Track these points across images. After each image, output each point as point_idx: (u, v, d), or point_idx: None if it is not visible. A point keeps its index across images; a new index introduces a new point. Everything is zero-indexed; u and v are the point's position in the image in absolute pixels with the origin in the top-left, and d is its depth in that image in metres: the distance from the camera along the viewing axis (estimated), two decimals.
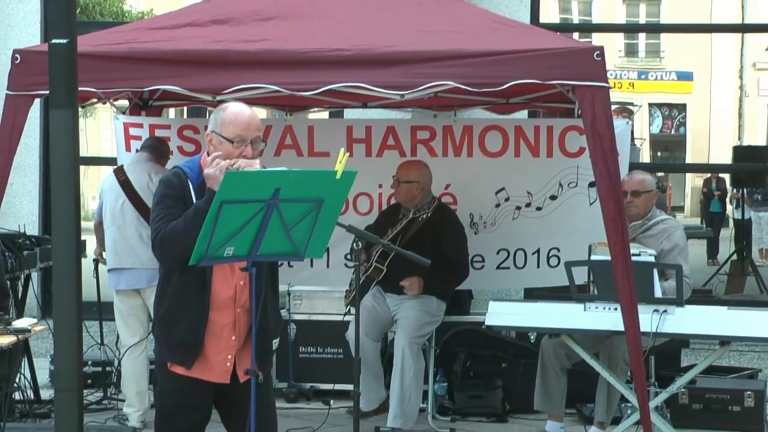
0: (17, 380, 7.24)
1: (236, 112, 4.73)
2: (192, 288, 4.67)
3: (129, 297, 7.74)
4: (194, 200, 4.66)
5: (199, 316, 4.68)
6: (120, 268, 7.70)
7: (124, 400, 8.00)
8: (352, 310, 7.68)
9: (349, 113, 9.55)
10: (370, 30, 6.44)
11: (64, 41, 4.27)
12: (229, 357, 4.75)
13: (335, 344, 8.34)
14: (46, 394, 8.25)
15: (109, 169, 8.28)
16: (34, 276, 8.58)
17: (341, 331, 7.93)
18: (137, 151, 7.98)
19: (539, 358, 7.40)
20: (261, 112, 9.87)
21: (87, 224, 7.35)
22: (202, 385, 4.76)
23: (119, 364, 8.60)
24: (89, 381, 8.53)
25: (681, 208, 26.23)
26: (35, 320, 6.73)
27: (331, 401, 8.40)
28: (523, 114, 9.19)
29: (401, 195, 7.64)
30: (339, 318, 8.13)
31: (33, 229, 10.10)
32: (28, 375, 7.94)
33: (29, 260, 8.08)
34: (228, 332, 4.74)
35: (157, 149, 7.85)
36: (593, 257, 6.77)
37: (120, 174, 7.73)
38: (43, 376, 8.72)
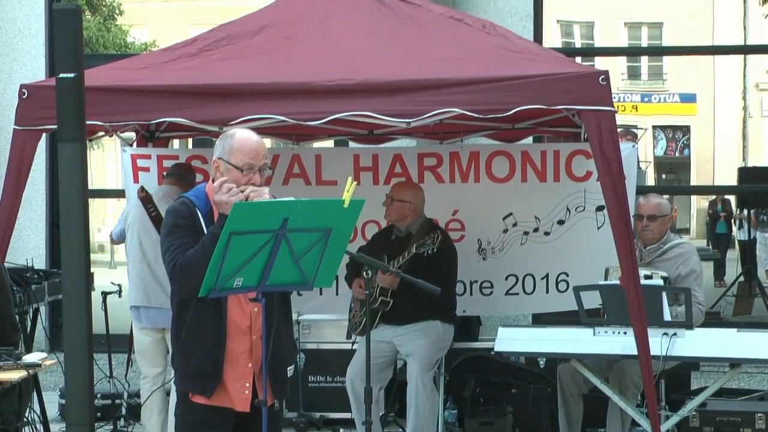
0: (27, 415, 7.21)
1: (244, 140, 4.76)
2: (208, 317, 4.69)
3: (154, 332, 7.69)
4: (204, 228, 4.67)
5: (216, 344, 4.70)
6: (148, 307, 7.63)
7: None
8: (356, 339, 7.65)
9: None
10: (375, 59, 6.45)
11: (71, 75, 4.30)
12: (247, 385, 4.76)
13: (345, 373, 8.31)
14: (55, 428, 8.22)
15: (114, 201, 8.24)
16: (42, 310, 8.56)
17: (350, 360, 7.90)
18: (165, 179, 7.86)
19: (558, 385, 7.37)
20: (267, 142, 9.88)
21: (96, 257, 7.34)
22: (223, 414, 4.77)
23: (129, 396, 8.58)
24: (99, 414, 8.50)
25: (687, 230, 26.21)
26: (45, 354, 6.70)
27: (341, 430, 8.38)
28: (528, 139, 9.18)
29: (393, 213, 7.59)
30: (348, 347, 8.10)
31: (40, 262, 10.09)
32: (37, 409, 7.91)
33: (37, 294, 8.06)
34: (245, 360, 4.76)
35: (184, 178, 7.71)
36: (609, 281, 6.76)
37: (150, 207, 7.59)
38: (52, 410, 8.69)
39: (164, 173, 7.98)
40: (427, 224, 7.54)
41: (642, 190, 8.28)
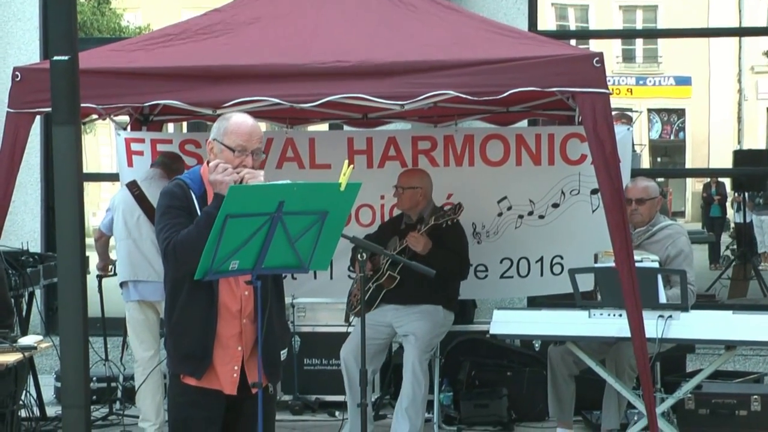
0: (23, 397, 7.23)
1: (239, 122, 4.78)
2: (200, 299, 4.70)
3: (143, 309, 7.73)
4: (198, 210, 4.68)
5: (207, 327, 4.72)
6: (136, 281, 7.69)
7: (131, 416, 8.01)
8: (353, 322, 7.65)
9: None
10: (370, 42, 6.44)
11: (65, 58, 4.29)
12: (236, 368, 4.78)
13: (340, 356, 8.33)
14: (51, 411, 8.24)
15: (108, 185, 8.25)
16: (38, 293, 8.58)
17: None
18: (151, 166, 7.94)
19: (548, 366, 7.39)
20: (261, 126, 9.89)
21: (91, 240, 7.36)
22: (214, 397, 4.79)
23: (124, 379, 8.60)
24: (94, 397, 8.51)
25: (682, 213, 26.23)
26: (41, 337, 6.72)
27: (336, 413, 8.39)
28: (523, 122, 9.18)
29: (405, 202, 7.60)
30: (343, 329, 8.09)
31: (35, 246, 10.12)
32: (33, 392, 7.93)
33: (32, 277, 8.09)
34: (234, 343, 4.77)
35: (169, 166, 7.78)
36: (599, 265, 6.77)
37: (134, 188, 7.69)
38: (48, 392, 8.71)
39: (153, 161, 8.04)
40: (438, 210, 7.54)
41: (637, 173, 8.28)
